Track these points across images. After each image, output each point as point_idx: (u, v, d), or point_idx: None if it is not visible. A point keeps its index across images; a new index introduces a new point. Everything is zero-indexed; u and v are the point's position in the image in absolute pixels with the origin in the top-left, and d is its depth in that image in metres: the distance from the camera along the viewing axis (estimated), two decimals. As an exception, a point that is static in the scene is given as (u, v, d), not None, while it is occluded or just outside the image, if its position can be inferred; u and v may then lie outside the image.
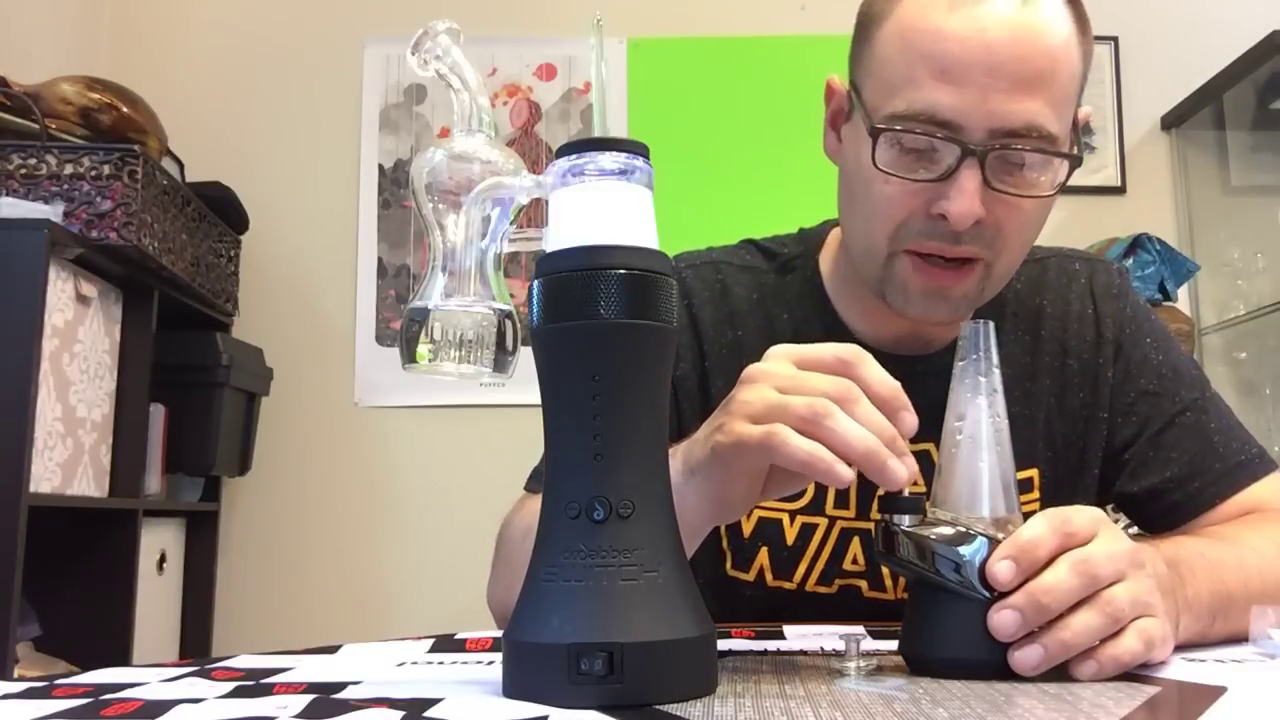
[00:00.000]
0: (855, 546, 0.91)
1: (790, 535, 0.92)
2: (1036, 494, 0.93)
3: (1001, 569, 0.55)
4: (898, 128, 0.80)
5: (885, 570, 0.91)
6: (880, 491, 0.60)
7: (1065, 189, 0.83)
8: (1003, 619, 0.55)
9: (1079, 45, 0.82)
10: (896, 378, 0.62)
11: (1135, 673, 0.57)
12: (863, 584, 0.92)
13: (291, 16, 2.74)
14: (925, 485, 0.65)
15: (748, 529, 0.92)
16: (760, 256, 1.01)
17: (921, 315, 0.86)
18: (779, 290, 0.98)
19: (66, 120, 1.91)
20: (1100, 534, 0.58)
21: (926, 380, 0.64)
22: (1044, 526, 0.57)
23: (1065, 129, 0.82)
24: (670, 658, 0.50)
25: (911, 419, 0.61)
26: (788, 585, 0.92)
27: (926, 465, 0.89)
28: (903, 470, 0.58)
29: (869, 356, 0.62)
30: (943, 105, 0.78)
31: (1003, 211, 0.81)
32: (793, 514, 0.92)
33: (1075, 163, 0.82)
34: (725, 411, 0.64)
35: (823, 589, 0.92)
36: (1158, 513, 0.90)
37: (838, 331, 0.95)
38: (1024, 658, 0.55)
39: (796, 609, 0.91)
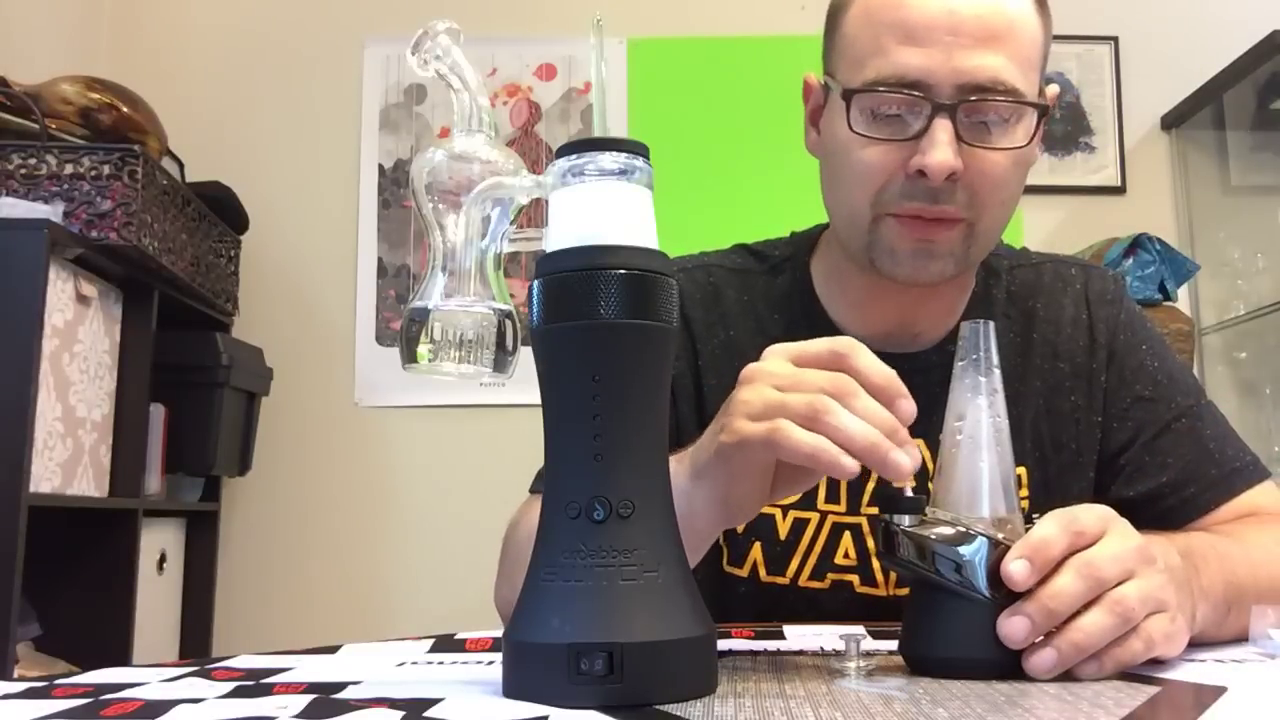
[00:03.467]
0: (847, 541, 0.92)
1: (783, 530, 0.92)
2: (1025, 492, 0.93)
3: (1017, 569, 0.55)
4: (873, 89, 0.83)
5: (877, 565, 0.92)
6: (872, 485, 0.60)
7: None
8: (1013, 625, 0.55)
9: (1037, 16, 0.86)
10: None
11: (1136, 672, 0.57)
12: (854, 579, 0.93)
13: (291, 16, 2.74)
14: (915, 481, 0.65)
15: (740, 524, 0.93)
16: (752, 259, 1.03)
17: (910, 275, 0.87)
18: (769, 291, 0.99)
19: (66, 120, 1.91)
20: (1109, 532, 0.58)
21: (913, 377, 0.64)
22: (1054, 526, 0.57)
23: (1032, 89, 0.85)
24: (670, 658, 0.50)
25: (910, 405, 0.61)
26: (781, 580, 0.93)
27: None
28: (906, 460, 0.59)
29: (862, 347, 0.63)
30: (910, 66, 0.82)
31: (978, 168, 0.83)
32: (784, 509, 0.92)
33: (1043, 113, 0.85)
34: (726, 412, 0.65)
35: (815, 584, 0.93)
36: (1153, 517, 0.90)
37: (826, 330, 0.96)
38: (1039, 662, 0.55)
39: (790, 604, 0.92)
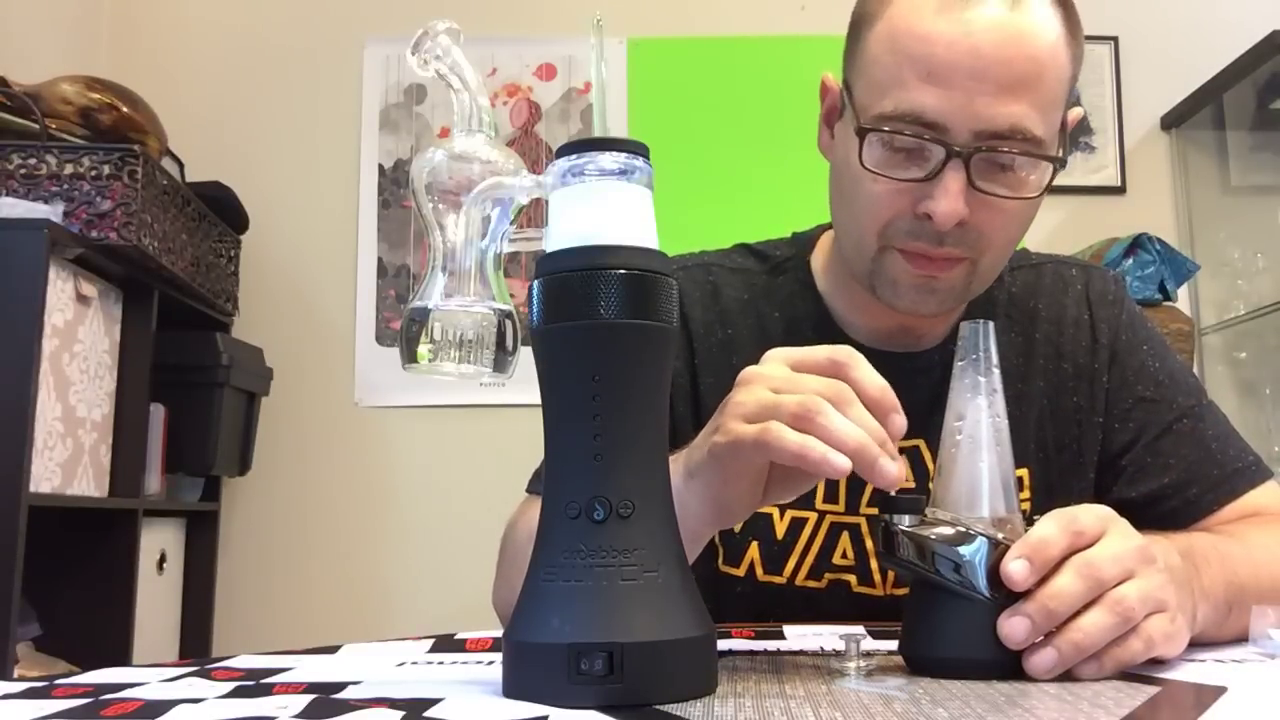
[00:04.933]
0: (844, 541, 0.92)
1: (780, 529, 0.92)
2: (1027, 494, 0.93)
3: (1016, 568, 0.56)
4: (885, 128, 0.81)
5: (874, 565, 0.92)
6: (871, 488, 0.60)
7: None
8: (1013, 626, 0.55)
9: (1068, 48, 0.82)
10: (886, 374, 0.63)
11: (1136, 672, 0.57)
12: (851, 579, 0.93)
13: (291, 16, 2.74)
14: (914, 482, 0.65)
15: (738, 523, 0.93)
16: (753, 259, 1.02)
17: (910, 308, 0.87)
18: (770, 290, 0.99)
19: (66, 120, 1.91)
20: (1108, 532, 0.59)
21: (915, 377, 0.64)
22: (1054, 526, 0.58)
23: (1052, 132, 0.82)
24: (670, 658, 0.50)
25: (901, 420, 0.61)
26: (778, 580, 0.93)
27: (916, 462, 0.90)
28: (893, 468, 0.59)
29: (861, 358, 0.63)
30: (928, 107, 0.79)
31: (986, 213, 0.82)
32: (782, 508, 0.92)
33: (1060, 165, 0.83)
34: (721, 413, 0.65)
35: (812, 583, 0.93)
36: (1155, 518, 0.90)
37: (829, 328, 0.96)
38: (1038, 661, 0.55)
39: (787, 604, 0.92)
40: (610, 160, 0.53)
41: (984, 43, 0.78)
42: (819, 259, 1.00)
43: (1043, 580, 0.56)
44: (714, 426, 0.65)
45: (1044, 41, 0.80)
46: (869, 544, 0.91)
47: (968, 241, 0.83)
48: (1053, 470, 0.94)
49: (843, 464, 0.58)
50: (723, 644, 0.70)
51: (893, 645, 0.63)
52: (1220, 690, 0.54)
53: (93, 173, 1.84)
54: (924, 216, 0.82)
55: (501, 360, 0.57)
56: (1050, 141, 0.82)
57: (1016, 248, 0.94)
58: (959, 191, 0.79)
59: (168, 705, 0.51)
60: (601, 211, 0.53)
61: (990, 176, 0.81)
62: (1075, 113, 0.88)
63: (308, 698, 0.53)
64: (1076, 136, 2.72)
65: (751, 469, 0.64)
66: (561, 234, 0.53)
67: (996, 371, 0.63)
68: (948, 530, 0.58)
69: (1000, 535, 0.58)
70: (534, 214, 0.58)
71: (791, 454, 0.59)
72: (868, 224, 0.85)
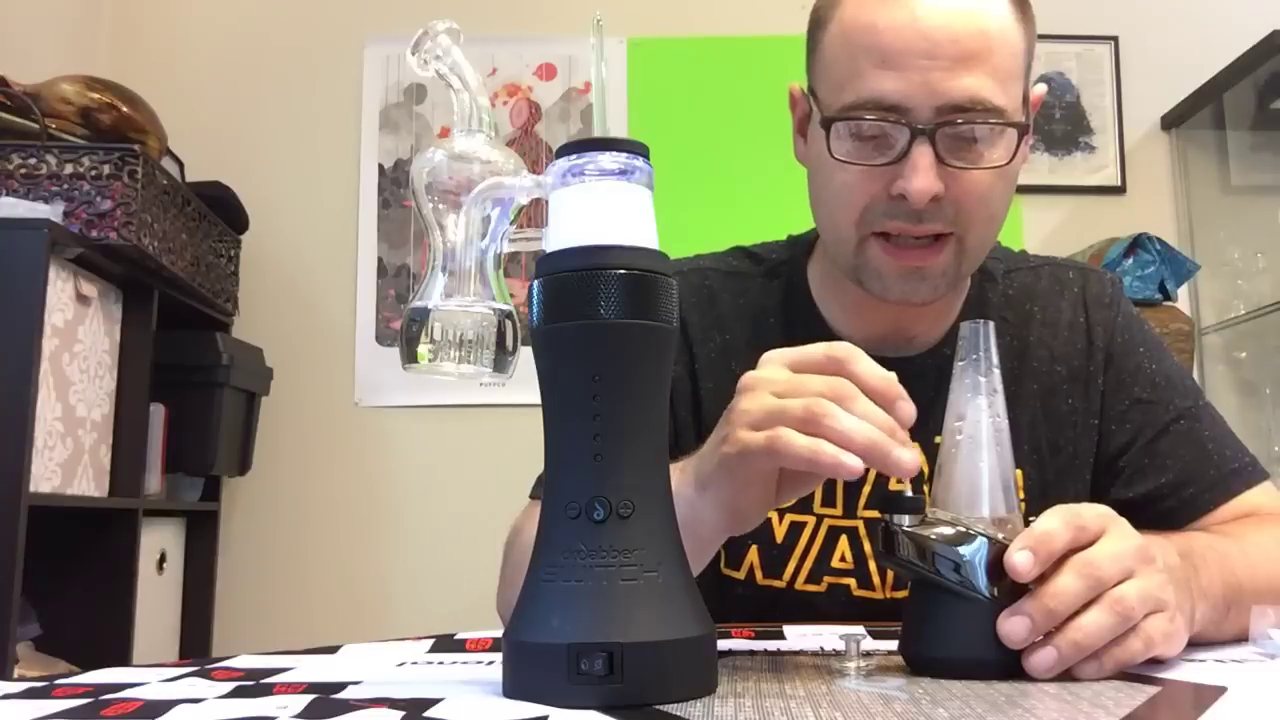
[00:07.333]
0: (843, 544, 0.92)
1: (779, 533, 0.92)
2: (1021, 495, 0.93)
3: (1021, 559, 0.56)
4: (848, 116, 0.83)
5: (873, 568, 0.92)
6: (868, 489, 0.60)
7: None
8: (1012, 625, 0.55)
9: (1018, 24, 0.84)
10: None
11: (1136, 672, 0.57)
12: (851, 582, 0.93)
13: (291, 16, 2.74)
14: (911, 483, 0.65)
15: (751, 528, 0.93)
16: (748, 262, 1.03)
17: (901, 297, 0.87)
18: (766, 295, 1.00)
19: (66, 120, 1.91)
20: (1108, 531, 0.59)
21: (908, 381, 0.64)
22: (1057, 520, 0.58)
23: (1014, 103, 0.84)
24: (670, 658, 0.50)
25: (909, 408, 0.61)
26: (777, 584, 0.93)
27: None
28: (909, 456, 0.58)
29: (859, 351, 0.63)
30: (887, 90, 0.81)
31: (960, 187, 0.83)
32: (781, 512, 0.92)
33: (1024, 130, 0.85)
34: (727, 422, 0.65)
35: (812, 587, 0.93)
36: (1152, 518, 0.90)
37: (823, 334, 0.96)
38: (1038, 661, 0.55)
39: (786, 607, 0.92)
40: (610, 160, 0.53)
41: (931, 25, 0.80)
42: (814, 264, 1.00)
43: (1042, 579, 0.56)
44: (722, 436, 0.65)
45: (990, 16, 0.82)
46: (867, 547, 0.91)
47: (946, 216, 0.84)
48: (1048, 472, 0.94)
49: (855, 465, 0.58)
50: (723, 644, 0.70)
51: (893, 645, 0.63)
52: (1220, 690, 0.54)
53: (93, 173, 1.84)
54: (899, 197, 0.83)
55: (501, 360, 0.57)
56: (1013, 111, 0.83)
57: (1008, 241, 0.94)
58: (929, 166, 0.81)
59: (168, 705, 0.51)
60: (601, 211, 0.53)
61: (958, 150, 0.83)
62: (1038, 90, 0.89)
63: (308, 698, 0.53)
64: (1076, 136, 2.72)
65: (763, 476, 0.65)
66: (561, 234, 0.53)
67: (997, 371, 0.63)
68: (948, 530, 0.58)
69: (1000, 535, 0.58)
70: (534, 214, 0.58)
71: (804, 460, 0.59)
72: (845, 213, 0.86)
